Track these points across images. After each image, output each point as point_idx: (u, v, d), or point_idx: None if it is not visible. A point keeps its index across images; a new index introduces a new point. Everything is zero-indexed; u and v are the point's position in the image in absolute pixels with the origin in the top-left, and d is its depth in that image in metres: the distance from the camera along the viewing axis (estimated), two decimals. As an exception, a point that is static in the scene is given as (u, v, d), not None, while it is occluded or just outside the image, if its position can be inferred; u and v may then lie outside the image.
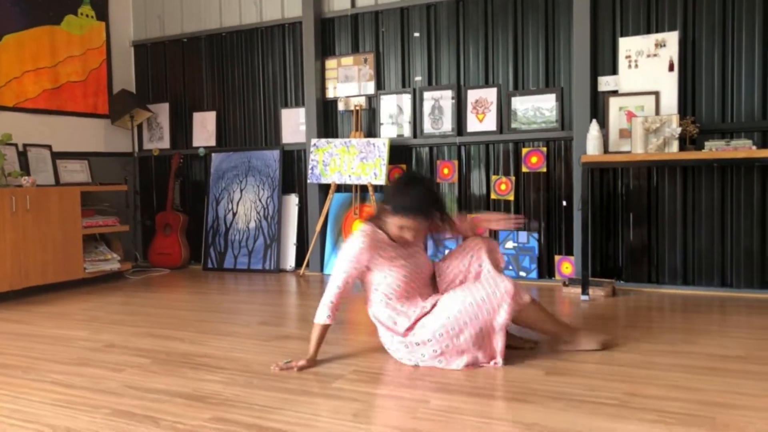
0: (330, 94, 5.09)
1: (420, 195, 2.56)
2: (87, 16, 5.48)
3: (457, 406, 2.10)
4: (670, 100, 3.92)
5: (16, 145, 4.84)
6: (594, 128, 3.86)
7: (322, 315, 2.56)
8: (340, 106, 5.04)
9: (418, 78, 4.79)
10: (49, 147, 5.11)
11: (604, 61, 4.19)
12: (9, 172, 4.65)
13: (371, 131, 4.97)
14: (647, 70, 3.98)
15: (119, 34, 5.80)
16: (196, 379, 2.47)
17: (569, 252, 4.37)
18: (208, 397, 2.26)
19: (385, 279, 2.58)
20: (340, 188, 5.07)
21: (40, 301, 4.23)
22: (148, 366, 2.65)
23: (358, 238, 2.58)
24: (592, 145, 3.85)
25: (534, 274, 4.42)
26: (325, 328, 2.60)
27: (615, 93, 4.09)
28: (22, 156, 4.89)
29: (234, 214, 5.43)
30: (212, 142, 5.60)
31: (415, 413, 2.04)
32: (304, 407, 2.13)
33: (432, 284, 2.75)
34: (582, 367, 2.49)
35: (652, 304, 3.70)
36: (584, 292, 3.84)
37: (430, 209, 2.60)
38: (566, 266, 4.36)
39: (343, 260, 2.57)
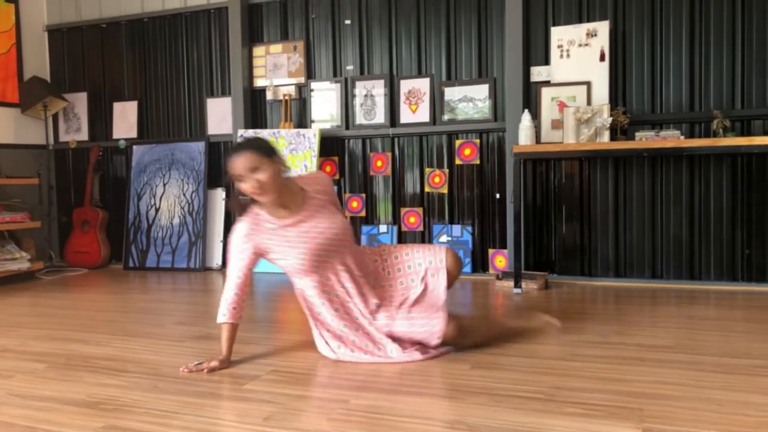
0: (258, 83, 4.88)
1: (241, 142, 2.37)
2: (-6, -3, 5.09)
3: (377, 404, 1.95)
4: (601, 91, 3.90)
5: None
6: (526, 118, 3.79)
7: (220, 314, 2.38)
8: (269, 96, 4.83)
9: (349, 67, 4.64)
10: (-50, 137, 4.71)
11: (537, 50, 4.14)
12: None
13: (301, 122, 4.78)
14: (579, 60, 3.94)
15: (31, 18, 5.42)
16: (94, 383, 2.24)
17: (503, 245, 4.30)
18: (102, 403, 2.03)
19: (287, 261, 2.38)
20: (270, 182, 4.86)
21: (-66, 303, 3.87)
22: (42, 372, 2.40)
23: (236, 229, 2.38)
24: (524, 136, 3.78)
25: (468, 268, 4.33)
26: (232, 327, 2.40)
27: (547, 83, 4.04)
28: None
29: (157, 210, 5.14)
30: (134, 134, 5.29)
31: (331, 414, 1.88)
32: (210, 411, 1.94)
33: (353, 246, 2.50)
34: (508, 360, 2.38)
35: (584, 297, 3.65)
36: (517, 285, 3.76)
37: (253, 145, 2.28)
38: (500, 260, 4.29)
39: (230, 256, 2.38)
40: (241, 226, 2.36)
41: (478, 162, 4.32)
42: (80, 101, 5.45)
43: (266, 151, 2.27)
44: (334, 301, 2.43)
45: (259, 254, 2.37)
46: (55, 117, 5.51)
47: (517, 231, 3.80)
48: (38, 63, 5.48)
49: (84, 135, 5.46)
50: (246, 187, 2.24)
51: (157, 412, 1.93)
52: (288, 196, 2.36)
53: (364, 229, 4.60)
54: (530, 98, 4.13)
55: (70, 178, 5.54)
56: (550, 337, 2.72)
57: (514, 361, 2.37)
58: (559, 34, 3.99)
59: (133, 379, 2.28)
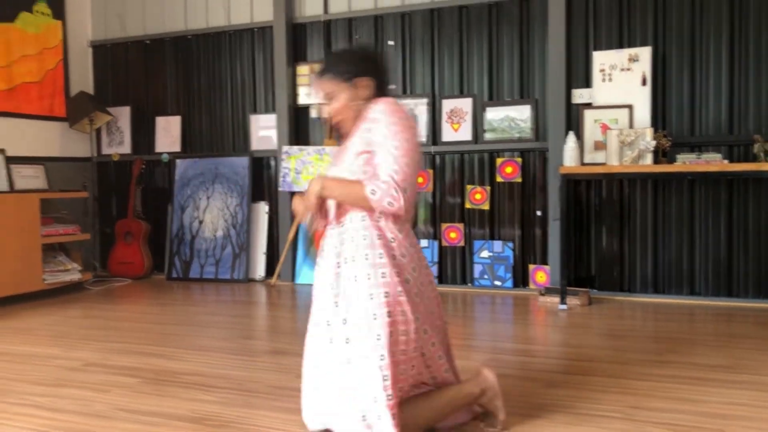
0: (302, 100, 5.02)
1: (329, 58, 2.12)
2: (43, 14, 5.23)
3: (466, 428, 2.08)
4: (642, 114, 4.04)
5: (-33, 149, 4.58)
6: (571, 140, 3.93)
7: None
8: (313, 113, 4.97)
9: (392, 86, 4.77)
10: (2, 151, 4.84)
11: (578, 73, 4.28)
12: (-39, 178, 4.39)
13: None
14: (621, 83, 4.08)
15: (77, 34, 5.56)
16: (190, 399, 2.37)
17: (544, 261, 4.43)
18: (206, 419, 2.17)
19: None
20: (312, 196, 4.99)
21: (-3, 315, 4.00)
22: (137, 386, 2.53)
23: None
24: (569, 157, 3.92)
25: (509, 284, 4.47)
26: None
27: (589, 105, 4.18)
28: (-26, 160, 4.62)
29: (200, 223, 5.28)
30: (177, 148, 5.43)
31: (427, 432, 2.01)
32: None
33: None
34: (577, 379, 2.51)
35: (627, 313, 3.79)
36: (562, 301, 3.90)
37: (335, 70, 2.00)
38: (540, 275, 4.43)
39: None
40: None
41: (519, 180, 4.45)
42: (123, 115, 5.59)
43: (347, 73, 1.98)
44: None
45: None
46: (99, 130, 5.65)
47: (563, 248, 3.93)
48: (83, 78, 5.62)
49: (127, 148, 5.60)
50: (324, 110, 2.06)
51: (261, 428, 2.07)
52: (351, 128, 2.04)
53: (406, 243, 4.73)
54: (571, 119, 4.27)
55: (112, 190, 5.67)
56: (607, 353, 2.85)
57: (587, 380, 2.50)
58: (601, 59, 4.13)
59: (225, 395, 2.41)
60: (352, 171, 1.94)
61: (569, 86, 4.28)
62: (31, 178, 5.02)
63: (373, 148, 1.92)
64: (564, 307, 3.88)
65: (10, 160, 4.88)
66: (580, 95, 4.25)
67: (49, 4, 5.28)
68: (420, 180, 4.71)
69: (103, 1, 5.62)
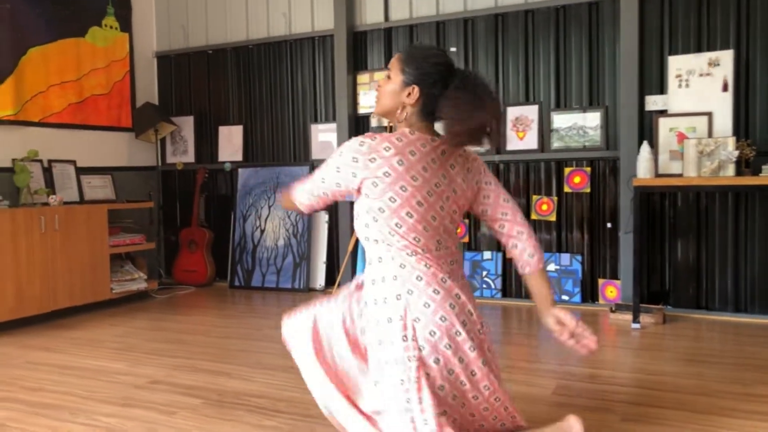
0: (362, 109, 4.96)
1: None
2: (111, 27, 5.35)
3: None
4: (723, 122, 3.80)
5: (41, 161, 4.72)
6: (645, 150, 3.73)
7: None
8: (373, 122, 4.91)
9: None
10: (73, 162, 4.99)
11: (652, 79, 4.06)
12: (35, 190, 4.52)
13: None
14: (699, 89, 3.85)
15: (142, 45, 5.68)
16: (255, 425, 2.34)
17: (614, 276, 4.24)
18: (273, 448, 2.13)
19: None
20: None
21: (68, 324, 4.10)
22: (201, 408, 2.53)
23: None
24: (643, 168, 3.72)
25: (577, 298, 4.30)
26: None
27: (664, 113, 3.97)
28: (47, 172, 4.76)
29: (262, 231, 5.30)
30: (239, 157, 5.47)
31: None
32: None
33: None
34: (659, 412, 2.36)
35: (706, 334, 3.57)
36: (635, 319, 3.71)
37: (409, 50, 1.91)
38: (611, 290, 4.24)
39: None
40: None
41: (588, 190, 4.27)
42: (187, 125, 5.67)
43: (410, 66, 1.87)
44: None
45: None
46: (163, 140, 5.75)
47: (637, 264, 3.74)
48: (148, 88, 5.74)
49: (190, 157, 5.68)
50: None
51: (330, 463, 2.01)
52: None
53: (468, 255, 4.62)
54: (644, 127, 4.06)
55: (176, 199, 5.77)
56: (687, 383, 2.67)
57: (666, 414, 2.35)
58: (677, 63, 3.91)
59: (290, 421, 2.37)
60: None
61: (642, 92, 4.07)
62: (99, 188, 5.16)
63: None
64: (637, 326, 3.69)
65: (80, 171, 5.02)
66: (653, 102, 4.03)
67: (117, 17, 5.40)
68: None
69: (167, 13, 5.72)
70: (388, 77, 1.92)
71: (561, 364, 3.08)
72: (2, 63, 4.51)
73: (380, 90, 1.93)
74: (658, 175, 3.82)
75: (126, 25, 5.49)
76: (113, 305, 4.65)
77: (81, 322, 4.16)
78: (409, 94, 1.85)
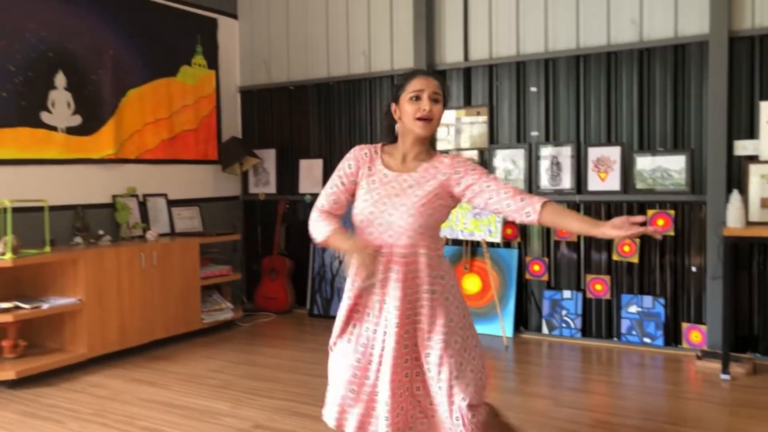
0: (440, 146, 5.06)
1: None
2: (199, 65, 5.63)
3: None
4: (818, 169, 3.73)
5: (137, 195, 5.01)
6: (736, 199, 3.70)
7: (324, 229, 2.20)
8: (452, 159, 4.99)
9: (534, 133, 4.71)
10: (164, 195, 5.27)
11: (741, 123, 4.02)
12: (133, 224, 4.81)
13: (483, 185, 4.91)
14: (792, 136, 3.79)
15: (227, 81, 5.93)
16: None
17: (698, 320, 4.20)
18: None
19: (357, 202, 2.18)
20: (448, 241, 5.01)
21: (165, 356, 4.34)
22: (309, 460, 2.66)
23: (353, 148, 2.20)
24: (733, 217, 3.69)
25: (659, 341, 4.27)
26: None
27: (755, 159, 3.91)
28: (142, 206, 5.05)
29: (340, 262, 5.46)
30: (318, 190, 5.63)
31: None
32: None
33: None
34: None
35: (801, 388, 3.51)
36: (725, 370, 3.67)
37: (443, 82, 2.14)
38: (695, 335, 4.20)
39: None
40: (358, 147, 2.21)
41: (672, 233, 4.25)
42: (269, 157, 5.89)
43: (447, 96, 2.16)
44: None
45: (354, 181, 2.16)
46: (246, 171, 5.99)
47: (726, 311, 3.71)
48: (232, 122, 5.99)
49: (272, 188, 5.90)
50: (421, 105, 2.04)
51: None
52: (417, 151, 2.12)
53: (546, 294, 4.65)
54: (732, 172, 4.02)
55: (257, 228, 6.00)
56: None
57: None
58: (769, 109, 3.86)
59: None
60: None
61: (730, 137, 4.03)
62: (188, 219, 5.43)
63: None
64: (726, 377, 3.65)
65: (171, 204, 5.30)
66: (743, 147, 3.99)
67: (204, 56, 5.67)
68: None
69: (251, 50, 5.96)
70: (437, 101, 2.07)
71: (643, 419, 3.09)
72: (106, 106, 4.81)
73: (433, 115, 2.06)
74: (748, 224, 3.77)
75: (213, 62, 5.76)
76: (203, 335, 4.88)
77: (176, 353, 4.39)
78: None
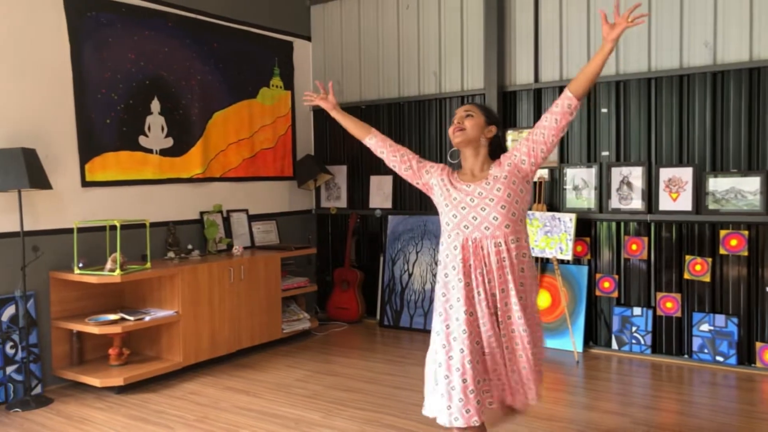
0: (510, 164, 5.21)
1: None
2: (276, 87, 5.92)
3: None
4: None
5: (221, 211, 5.32)
6: (813, 223, 3.74)
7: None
8: (522, 178, 5.14)
9: (605, 153, 4.82)
10: (246, 211, 5.58)
11: (818, 146, 4.05)
12: (219, 239, 5.13)
13: (552, 204, 5.04)
14: None
15: (301, 101, 6.20)
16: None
17: (773, 340, 4.24)
18: None
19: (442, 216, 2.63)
20: (519, 256, 5.15)
21: (251, 364, 4.62)
22: (404, 470, 2.87)
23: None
24: (811, 240, 3.73)
25: (732, 360, 4.33)
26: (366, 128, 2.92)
27: (832, 181, 3.94)
28: (226, 221, 5.36)
29: (410, 275, 5.67)
30: (388, 205, 5.88)
31: None
32: None
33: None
34: None
35: None
36: (801, 391, 3.72)
37: (481, 103, 2.74)
38: (769, 354, 4.24)
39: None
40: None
41: (745, 253, 4.30)
42: (340, 173, 6.15)
43: (487, 112, 2.63)
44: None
45: (426, 182, 2.67)
46: (318, 186, 6.26)
47: (801, 336, 3.75)
48: (306, 139, 6.27)
49: (343, 203, 6.16)
50: (455, 120, 2.60)
51: None
52: (475, 162, 2.59)
53: (616, 310, 4.75)
54: (809, 194, 4.05)
55: (328, 241, 6.26)
56: None
57: None
58: None
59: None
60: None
61: (807, 159, 4.06)
62: (265, 232, 5.73)
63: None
64: (803, 398, 3.71)
65: (252, 218, 5.60)
66: (820, 169, 4.02)
67: (281, 77, 5.96)
68: (634, 247, 4.69)
69: (324, 71, 6.23)
70: (471, 115, 2.57)
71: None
72: (194, 128, 5.15)
73: (461, 125, 2.57)
74: (826, 247, 3.81)
75: (289, 83, 6.05)
76: (283, 343, 5.15)
77: (261, 362, 4.67)
78: (489, 132, 2.60)
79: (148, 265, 4.32)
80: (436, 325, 2.57)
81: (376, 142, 2.78)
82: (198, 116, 5.19)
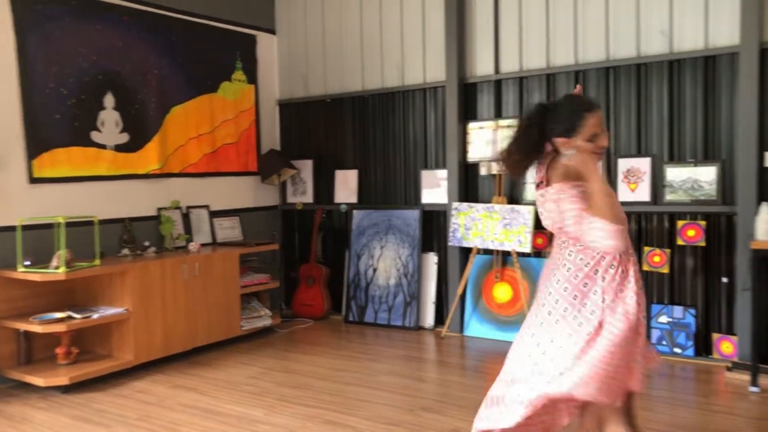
0: (471, 157, 5.15)
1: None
2: (239, 80, 5.85)
3: None
4: None
5: (180, 208, 5.25)
6: (765, 212, 3.69)
7: None
8: (482, 171, 5.09)
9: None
10: (206, 207, 5.51)
11: (773, 134, 3.99)
12: (177, 236, 5.06)
13: (512, 197, 4.98)
14: (825, 148, 3.75)
15: (266, 95, 6.14)
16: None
17: (730, 331, 4.19)
18: None
19: None
20: (478, 251, 5.10)
21: (206, 362, 4.56)
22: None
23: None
24: (762, 230, 3.68)
25: (690, 351, 4.27)
26: None
27: (786, 170, 3.89)
28: (185, 218, 5.29)
29: (374, 270, 5.61)
30: (354, 199, 5.81)
31: None
32: None
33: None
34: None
35: (832, 403, 3.48)
36: (754, 382, 3.67)
37: None
38: (726, 346, 4.19)
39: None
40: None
41: (703, 244, 4.24)
42: (306, 168, 6.09)
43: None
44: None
45: None
46: (284, 181, 6.19)
47: (755, 322, 3.70)
48: (271, 134, 6.20)
49: (309, 198, 6.09)
50: (602, 142, 2.31)
51: None
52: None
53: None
54: (763, 184, 3.99)
55: (294, 236, 6.20)
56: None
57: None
58: (801, 120, 3.83)
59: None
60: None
61: (762, 148, 4.01)
62: (228, 228, 5.66)
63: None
64: (756, 389, 3.65)
65: (213, 214, 5.53)
66: (774, 158, 3.96)
67: (244, 71, 5.89)
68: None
69: (289, 64, 6.16)
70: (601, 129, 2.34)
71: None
72: (151, 123, 5.07)
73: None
74: (779, 237, 3.75)
75: (252, 77, 5.97)
76: (242, 341, 5.09)
77: (217, 360, 4.61)
78: None
79: (97, 262, 4.25)
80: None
81: None
82: (155, 111, 5.11)
